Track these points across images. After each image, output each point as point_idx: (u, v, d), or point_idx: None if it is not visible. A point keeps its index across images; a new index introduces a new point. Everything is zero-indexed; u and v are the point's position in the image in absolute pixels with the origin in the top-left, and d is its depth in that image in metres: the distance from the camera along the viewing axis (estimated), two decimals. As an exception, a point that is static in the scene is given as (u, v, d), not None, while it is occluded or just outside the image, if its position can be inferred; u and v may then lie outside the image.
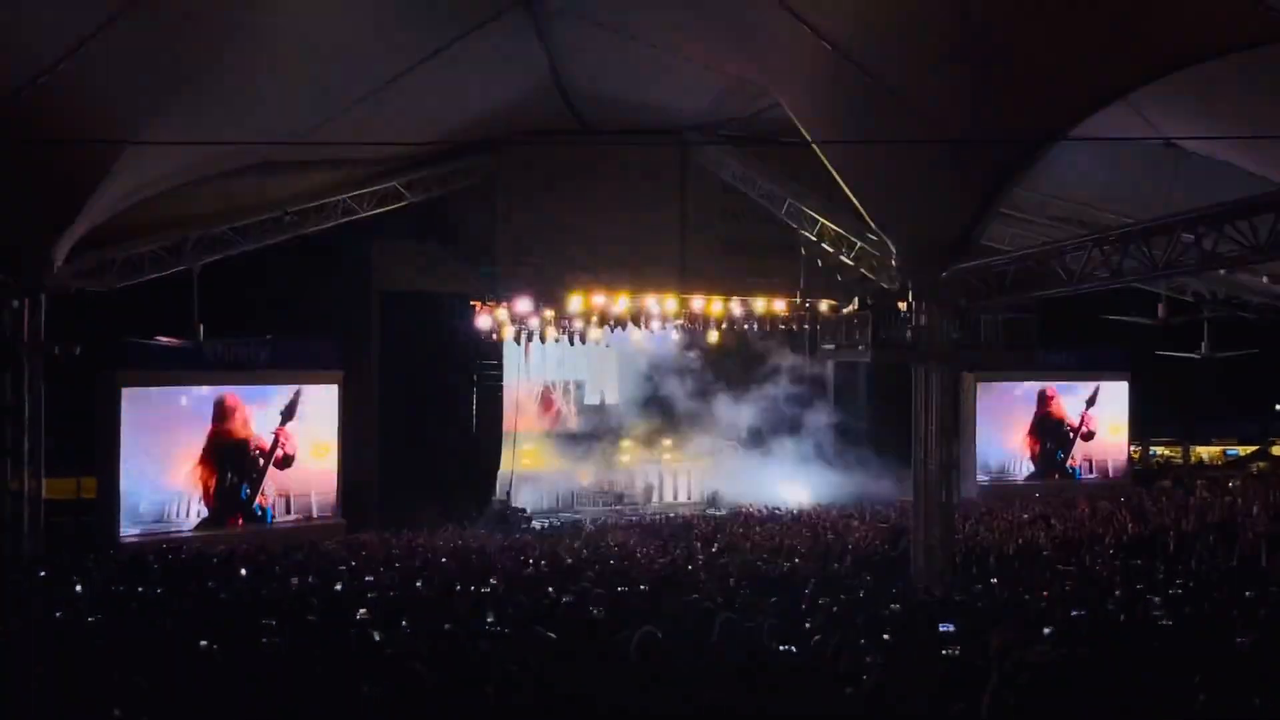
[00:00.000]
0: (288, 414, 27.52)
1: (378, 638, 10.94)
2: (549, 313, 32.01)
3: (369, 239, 27.81)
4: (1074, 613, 11.94)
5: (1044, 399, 36.67)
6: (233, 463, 26.96)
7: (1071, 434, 36.60)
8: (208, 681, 9.05)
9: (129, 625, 12.59)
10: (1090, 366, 36.65)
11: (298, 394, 27.66)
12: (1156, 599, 12.99)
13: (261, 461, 27.48)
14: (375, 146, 24.58)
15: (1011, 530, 24.12)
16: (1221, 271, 25.86)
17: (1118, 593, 13.91)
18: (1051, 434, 36.64)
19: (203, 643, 10.59)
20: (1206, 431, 42.44)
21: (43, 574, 17.85)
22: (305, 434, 28.02)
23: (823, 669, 8.89)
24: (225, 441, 26.87)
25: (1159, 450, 42.23)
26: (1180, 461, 41.79)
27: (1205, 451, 42.48)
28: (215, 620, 12.54)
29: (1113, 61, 16.48)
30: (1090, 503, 29.71)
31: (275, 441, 27.58)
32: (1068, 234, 22.79)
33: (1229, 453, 42.46)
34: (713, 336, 34.04)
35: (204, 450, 26.52)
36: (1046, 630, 10.77)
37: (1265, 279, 28.79)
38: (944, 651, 9.25)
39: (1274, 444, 41.81)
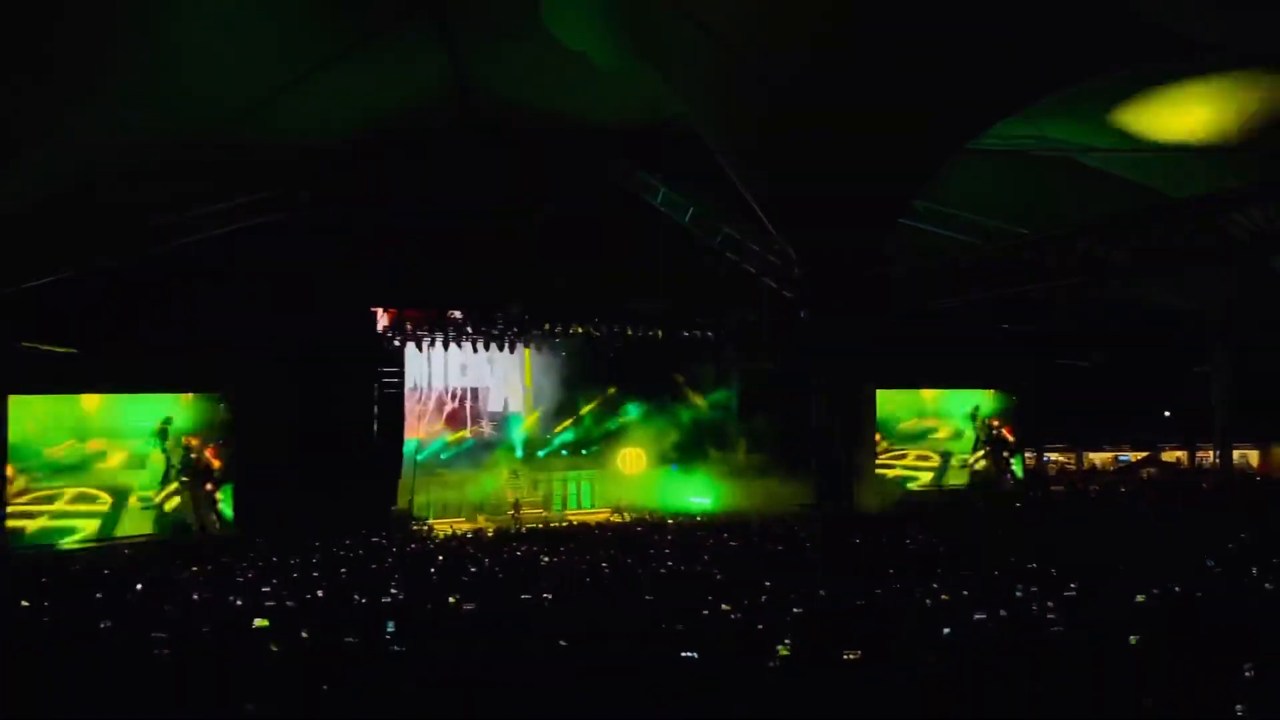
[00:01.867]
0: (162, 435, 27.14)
1: (275, 649, 10.73)
2: (452, 320, 31.96)
3: (266, 244, 27.33)
4: (975, 615, 12.07)
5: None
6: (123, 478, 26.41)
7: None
8: (98, 694, 8.79)
9: (17, 640, 12.22)
10: (985, 374, 37.27)
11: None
12: (1050, 603, 13.20)
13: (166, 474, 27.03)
14: (274, 150, 24.26)
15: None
16: (1114, 280, 26.53)
17: (1018, 593, 14.13)
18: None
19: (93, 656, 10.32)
20: (1098, 438, 43.35)
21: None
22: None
23: (727, 675, 8.91)
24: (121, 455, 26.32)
25: (1052, 457, 43.05)
26: (1073, 467, 42.65)
27: (1098, 458, 43.41)
28: (106, 634, 12.23)
29: (1010, 75, 16.82)
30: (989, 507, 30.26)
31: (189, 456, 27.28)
32: (967, 244, 23.21)
33: (1120, 459, 43.43)
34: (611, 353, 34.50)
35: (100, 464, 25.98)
36: (945, 630, 10.89)
37: (1158, 290, 29.59)
38: (845, 656, 9.29)
39: (1164, 450, 42.83)
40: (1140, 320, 31.54)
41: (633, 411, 37.10)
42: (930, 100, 17.44)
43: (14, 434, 24.68)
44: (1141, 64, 16.33)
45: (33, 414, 25.13)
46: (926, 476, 36.68)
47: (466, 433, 36.51)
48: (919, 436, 36.86)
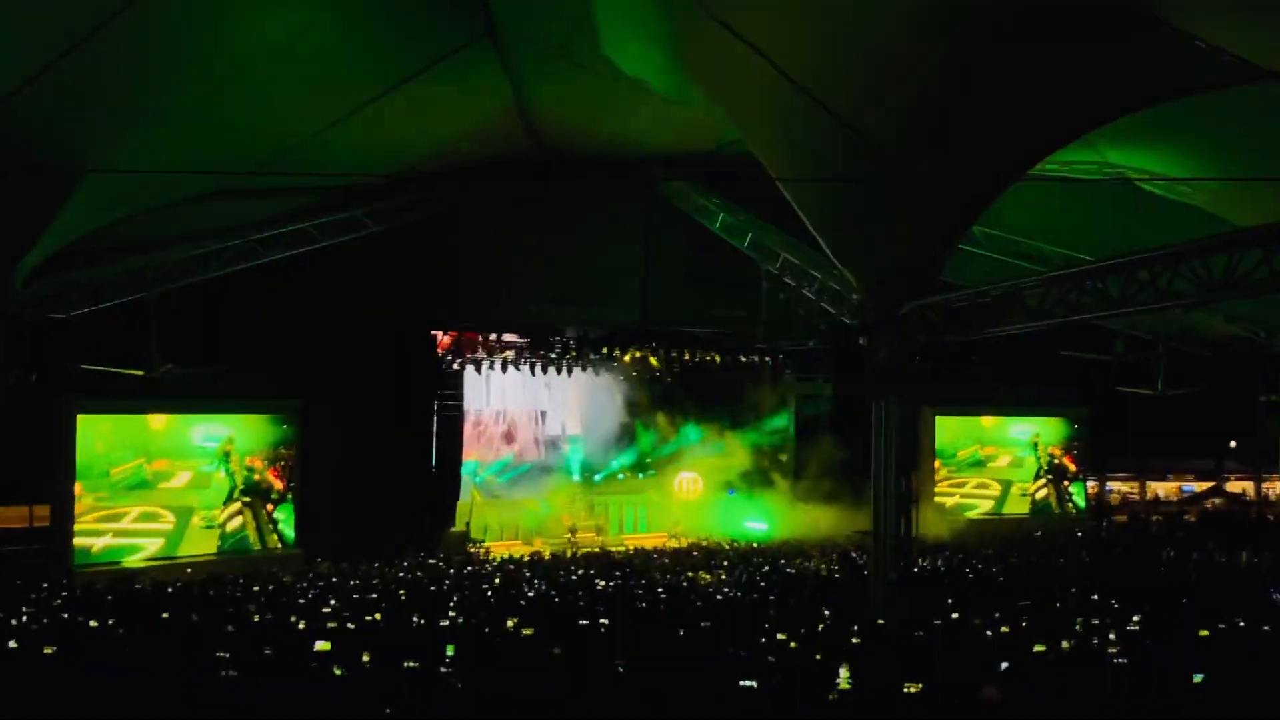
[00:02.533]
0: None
1: (338, 673, 10.84)
2: (511, 344, 32.21)
3: (330, 268, 27.64)
4: (1034, 648, 11.98)
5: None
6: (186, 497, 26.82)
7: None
8: (163, 714, 8.92)
9: (83, 657, 12.41)
10: (1047, 402, 36.95)
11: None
12: (1111, 635, 13.06)
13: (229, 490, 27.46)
14: (337, 176, 24.54)
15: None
16: (1178, 310, 26.21)
17: (1077, 627, 13.98)
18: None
19: (158, 674, 10.46)
20: (1162, 468, 42.80)
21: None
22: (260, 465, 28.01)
23: (785, 705, 8.89)
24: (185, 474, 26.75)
25: (1115, 486, 42.53)
26: (1136, 496, 42.11)
27: (1161, 487, 42.82)
28: (170, 652, 12.39)
29: (1071, 102, 16.71)
30: (1048, 536, 29.99)
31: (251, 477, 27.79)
32: (1027, 271, 23.01)
33: (1185, 489, 42.82)
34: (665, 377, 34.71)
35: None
36: (1004, 665, 10.80)
37: (1221, 319, 29.19)
38: (905, 689, 9.25)
39: (1228, 480, 42.19)
40: (1205, 349, 31.11)
41: (690, 436, 37.06)
42: (993, 126, 17.36)
43: (81, 453, 25.10)
44: (1202, 91, 16.19)
45: (100, 434, 25.55)
46: (987, 504, 36.38)
47: (524, 454, 36.57)
48: (979, 464, 36.59)
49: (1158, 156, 20.32)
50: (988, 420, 36.70)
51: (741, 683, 9.61)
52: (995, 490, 36.64)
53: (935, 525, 32.00)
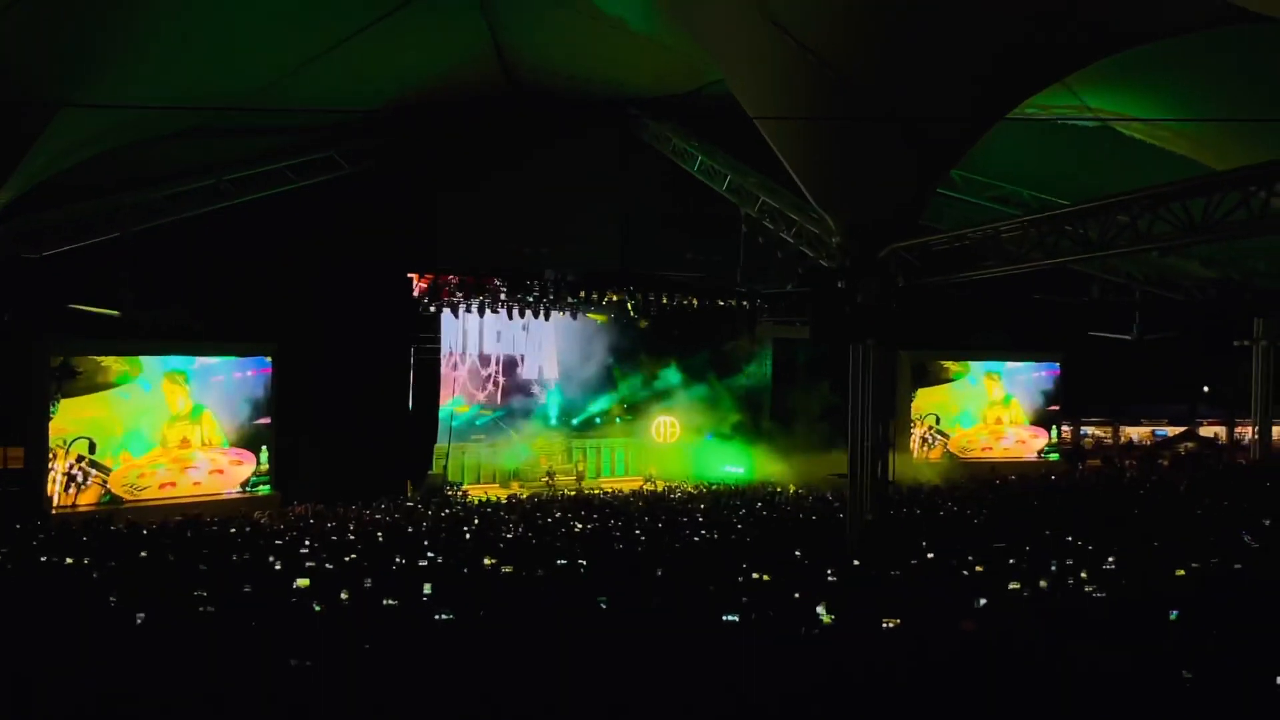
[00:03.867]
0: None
1: (317, 609, 10.85)
2: (488, 286, 32.11)
3: (304, 210, 27.43)
4: (1010, 585, 12.07)
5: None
6: (165, 434, 26.64)
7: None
8: (139, 650, 8.91)
9: (59, 596, 12.39)
10: (1022, 347, 37.09)
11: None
12: (1083, 574, 13.18)
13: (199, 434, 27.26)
14: (312, 114, 24.31)
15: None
16: (1154, 254, 26.31)
17: (1053, 566, 14.10)
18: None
19: (136, 614, 10.44)
20: (1136, 412, 43.06)
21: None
22: (235, 408, 27.87)
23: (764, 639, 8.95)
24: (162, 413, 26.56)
25: (1089, 430, 42.79)
26: (1110, 441, 42.40)
27: (1135, 432, 43.11)
28: (148, 591, 12.37)
29: (1051, 44, 16.64)
30: (1021, 480, 30.18)
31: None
32: (1005, 215, 23.03)
33: (1158, 433, 43.12)
34: (642, 323, 34.65)
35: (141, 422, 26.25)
36: (981, 601, 10.89)
37: (1196, 263, 29.30)
38: (883, 624, 9.32)
39: (1201, 425, 42.49)
40: (1180, 293, 31.23)
41: (668, 380, 37.08)
42: (972, 68, 17.30)
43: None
44: (1183, 34, 16.15)
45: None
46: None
47: (501, 398, 36.54)
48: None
49: (1137, 100, 20.30)
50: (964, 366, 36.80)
51: (724, 617, 9.68)
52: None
53: (914, 468, 32.23)
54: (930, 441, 36.08)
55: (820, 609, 9.98)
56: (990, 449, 36.64)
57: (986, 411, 36.91)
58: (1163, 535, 17.47)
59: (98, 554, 16.45)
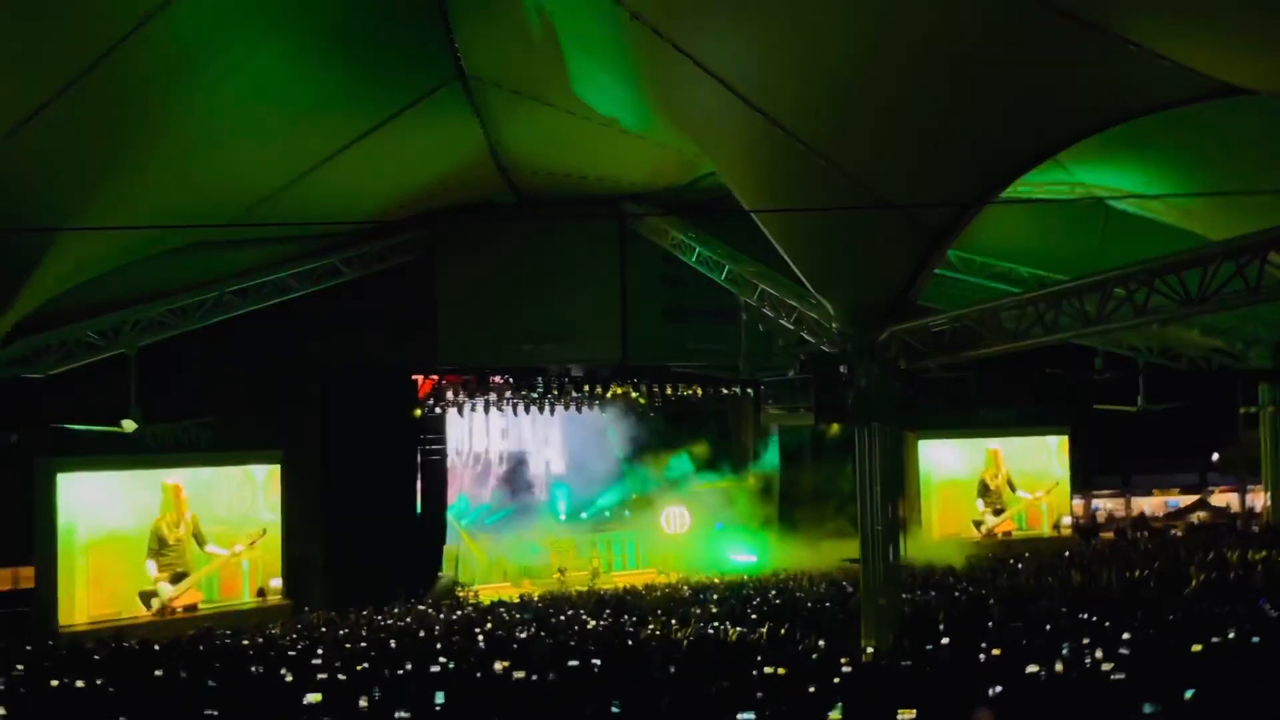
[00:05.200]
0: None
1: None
2: (492, 385, 32.24)
3: (307, 316, 27.65)
4: (1028, 669, 11.96)
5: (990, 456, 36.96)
6: (177, 548, 26.58)
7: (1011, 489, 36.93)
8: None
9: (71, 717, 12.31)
10: (1030, 422, 37.06)
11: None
12: (1099, 653, 13.06)
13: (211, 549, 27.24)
14: (312, 224, 24.57)
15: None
16: (1155, 325, 26.36)
17: (1065, 648, 13.97)
18: (994, 490, 36.91)
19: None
20: (1146, 483, 42.91)
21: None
22: (247, 515, 27.84)
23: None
24: (169, 529, 26.51)
25: (1100, 503, 42.61)
26: (1122, 513, 42.19)
27: (1146, 503, 42.91)
28: (161, 710, 12.30)
29: (1041, 122, 16.84)
30: (1035, 557, 29.96)
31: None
32: (1004, 293, 23.12)
33: (1170, 504, 42.92)
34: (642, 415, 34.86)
35: (151, 535, 26.19)
36: (996, 689, 10.78)
37: (1196, 332, 29.35)
38: (898, 717, 9.23)
39: (1212, 493, 42.31)
40: (1183, 363, 31.29)
41: (675, 471, 37.03)
42: (962, 152, 17.49)
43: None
44: (1171, 108, 16.33)
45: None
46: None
47: (510, 496, 36.47)
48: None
49: (1127, 174, 20.49)
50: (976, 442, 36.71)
51: (740, 716, 9.59)
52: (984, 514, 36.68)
53: (926, 549, 32.02)
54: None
55: (835, 713, 9.88)
56: (1009, 526, 36.50)
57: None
58: (1177, 610, 17.34)
59: (112, 673, 16.35)
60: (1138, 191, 20.82)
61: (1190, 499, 42.24)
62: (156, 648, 20.67)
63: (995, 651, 14.23)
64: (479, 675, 14.50)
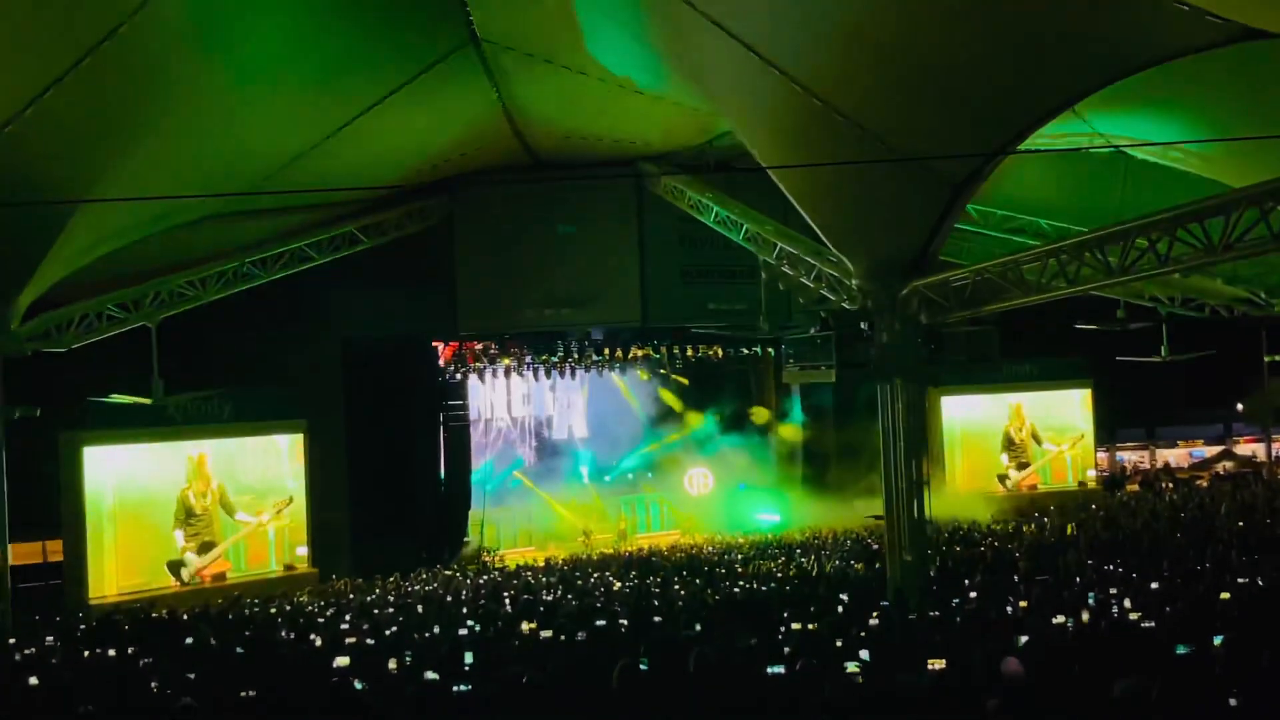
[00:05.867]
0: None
1: (359, 686, 10.82)
2: (513, 350, 32.25)
3: (327, 285, 27.66)
4: (1054, 619, 11.94)
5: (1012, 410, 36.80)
6: (204, 518, 26.73)
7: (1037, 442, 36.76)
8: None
9: (103, 688, 12.39)
10: (1053, 375, 36.88)
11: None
12: (1128, 602, 13.03)
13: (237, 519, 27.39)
14: (331, 192, 24.53)
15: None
16: (1177, 275, 26.16)
17: (1092, 598, 13.95)
18: (1019, 444, 36.78)
19: (182, 699, 10.43)
20: (1171, 434, 42.73)
21: (12, 641, 17.58)
22: (272, 484, 27.98)
23: (806, 691, 8.86)
24: (196, 498, 26.67)
25: (1125, 455, 42.47)
26: (1147, 466, 42.05)
27: (1171, 454, 42.75)
28: (191, 678, 12.37)
29: (1059, 72, 16.67)
30: (1061, 510, 29.90)
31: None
32: (1025, 247, 22.95)
33: (1194, 454, 42.75)
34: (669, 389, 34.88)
35: (178, 505, 26.34)
36: (1023, 639, 10.77)
37: (1220, 281, 29.11)
38: (930, 666, 9.23)
39: (1237, 443, 42.12)
40: (1206, 312, 31.02)
41: (698, 432, 37.07)
42: (981, 103, 17.33)
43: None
44: (1191, 54, 16.13)
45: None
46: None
47: (533, 461, 36.60)
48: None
49: (1147, 123, 20.27)
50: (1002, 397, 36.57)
51: (770, 669, 9.60)
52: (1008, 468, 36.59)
53: (951, 505, 31.97)
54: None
55: (863, 654, 9.90)
56: (1034, 480, 36.41)
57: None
58: (1206, 559, 17.29)
59: (142, 643, 16.48)
60: (1156, 139, 20.60)
61: (1215, 449, 42.08)
62: (185, 617, 20.83)
63: (1022, 604, 14.22)
64: (507, 637, 14.56)
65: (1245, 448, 42.02)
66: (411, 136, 24.32)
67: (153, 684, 11.86)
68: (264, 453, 28.16)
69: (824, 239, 20.80)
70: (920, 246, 19.82)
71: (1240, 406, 42.94)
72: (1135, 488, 36.74)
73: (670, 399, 36.98)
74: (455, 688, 10.11)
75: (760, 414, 37.10)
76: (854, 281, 21.13)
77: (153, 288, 24.41)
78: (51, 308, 22.40)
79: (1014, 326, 29.30)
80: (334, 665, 12.16)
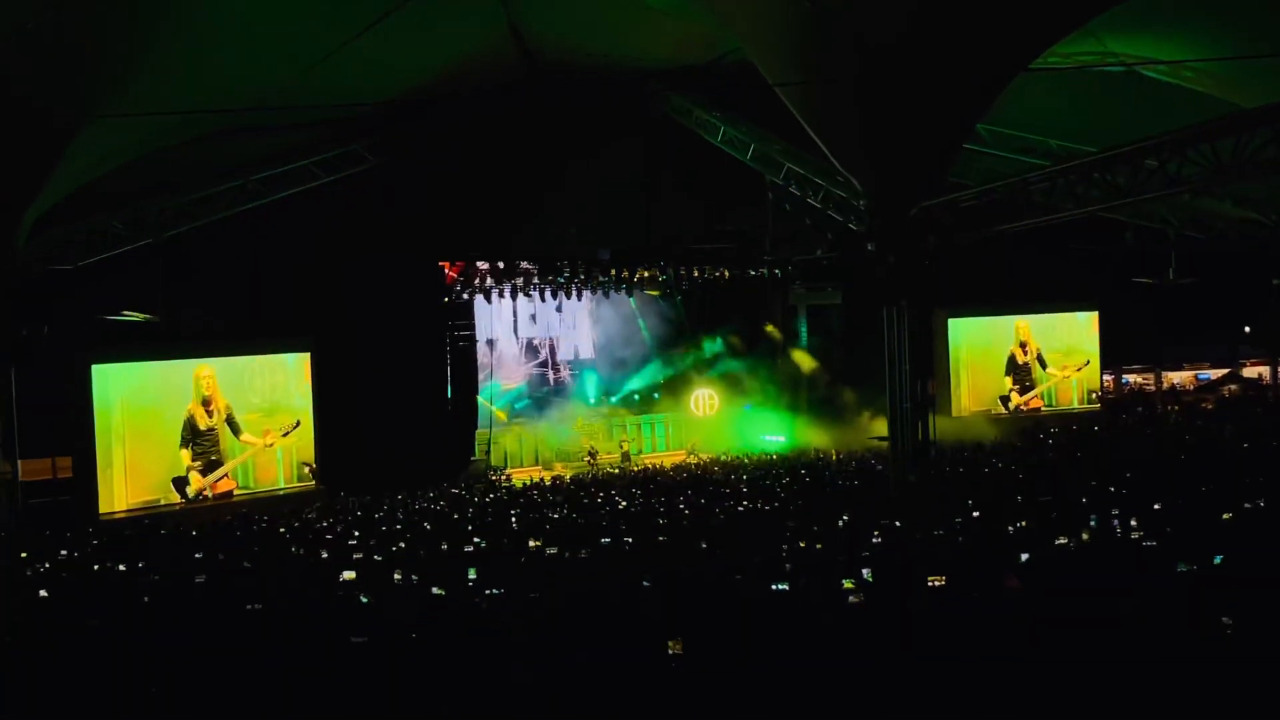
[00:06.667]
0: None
1: (365, 600, 10.96)
2: (520, 270, 32.22)
3: (332, 204, 27.55)
4: (1057, 540, 12.01)
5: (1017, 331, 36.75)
6: (210, 436, 26.88)
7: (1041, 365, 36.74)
8: (193, 650, 9.02)
9: (112, 601, 12.55)
10: (1059, 299, 36.78)
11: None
12: (1134, 521, 13.10)
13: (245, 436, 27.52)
14: (335, 109, 24.37)
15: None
16: (1186, 197, 26.02)
17: (1093, 520, 14.01)
18: (1023, 366, 36.79)
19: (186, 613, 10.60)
20: (1177, 357, 42.70)
21: (24, 555, 17.79)
22: (279, 403, 28.10)
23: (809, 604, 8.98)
24: (204, 415, 26.78)
25: (1131, 378, 42.49)
26: (1152, 388, 42.09)
27: (1177, 377, 42.76)
28: (198, 592, 12.54)
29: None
30: (1065, 432, 30.00)
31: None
32: (1034, 167, 22.81)
33: (1200, 377, 42.76)
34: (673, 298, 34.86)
35: (184, 424, 26.48)
36: (1023, 556, 10.86)
37: (1229, 204, 28.96)
38: (929, 583, 9.31)
39: (1244, 366, 42.11)
40: (1215, 234, 30.88)
41: (703, 353, 37.12)
42: (993, 19, 17.15)
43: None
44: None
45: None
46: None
47: (539, 381, 36.73)
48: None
49: (1160, 42, 20.07)
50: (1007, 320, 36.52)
51: (773, 586, 9.70)
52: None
53: (956, 428, 32.08)
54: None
55: (865, 572, 9.99)
56: (1038, 403, 36.46)
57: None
58: (1209, 480, 17.34)
59: (151, 557, 16.68)
60: (1168, 58, 20.40)
61: (1221, 372, 42.08)
62: (194, 533, 21.05)
63: (1023, 523, 14.30)
64: (513, 553, 14.70)
65: (1252, 370, 42.01)
66: (416, 52, 24.08)
67: (159, 597, 12.01)
68: (271, 372, 28.21)
69: (832, 159, 20.66)
70: (929, 166, 19.70)
71: (1248, 329, 42.90)
72: (1140, 410, 36.81)
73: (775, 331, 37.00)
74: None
75: (774, 331, 37.05)
76: (861, 202, 21.05)
77: (159, 205, 24.37)
78: (59, 225, 22.37)
79: (1022, 249, 29.29)
80: (340, 579, 12.30)
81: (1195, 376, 42.68)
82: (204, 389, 26.73)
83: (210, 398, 26.82)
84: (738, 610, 9.15)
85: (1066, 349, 36.91)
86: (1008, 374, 36.43)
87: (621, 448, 35.39)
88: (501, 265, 32.51)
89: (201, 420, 26.71)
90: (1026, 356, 36.61)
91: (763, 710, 6.41)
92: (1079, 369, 36.66)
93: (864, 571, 10.13)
